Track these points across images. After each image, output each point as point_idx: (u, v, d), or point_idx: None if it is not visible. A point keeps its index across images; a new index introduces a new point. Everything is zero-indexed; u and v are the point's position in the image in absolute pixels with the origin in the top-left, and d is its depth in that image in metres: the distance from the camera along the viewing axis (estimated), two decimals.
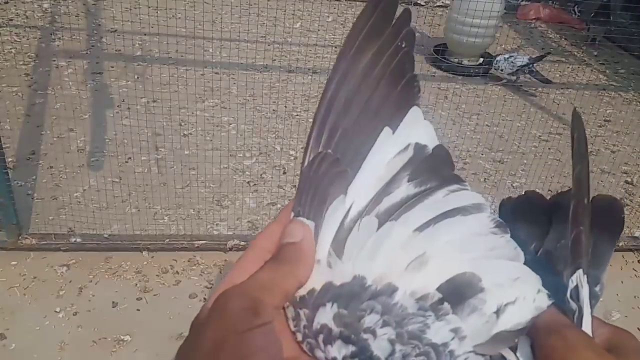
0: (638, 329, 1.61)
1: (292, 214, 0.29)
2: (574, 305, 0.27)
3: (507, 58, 2.82)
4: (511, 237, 0.29)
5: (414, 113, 0.30)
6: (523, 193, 0.36)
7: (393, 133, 0.29)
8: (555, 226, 0.33)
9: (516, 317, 0.26)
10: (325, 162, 0.29)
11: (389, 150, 0.29)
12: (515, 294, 0.26)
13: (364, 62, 0.30)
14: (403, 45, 0.30)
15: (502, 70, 2.83)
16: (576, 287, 0.27)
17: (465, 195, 0.29)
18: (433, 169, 0.29)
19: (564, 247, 0.31)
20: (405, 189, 0.29)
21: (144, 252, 1.67)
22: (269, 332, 0.24)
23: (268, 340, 0.24)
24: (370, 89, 0.30)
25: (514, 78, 2.85)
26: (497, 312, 0.26)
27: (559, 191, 0.35)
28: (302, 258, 0.27)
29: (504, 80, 2.87)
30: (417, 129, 0.30)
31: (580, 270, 0.27)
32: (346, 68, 0.30)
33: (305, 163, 0.30)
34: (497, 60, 2.84)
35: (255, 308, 0.24)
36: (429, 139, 0.30)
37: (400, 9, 0.31)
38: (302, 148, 2.26)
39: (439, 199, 0.28)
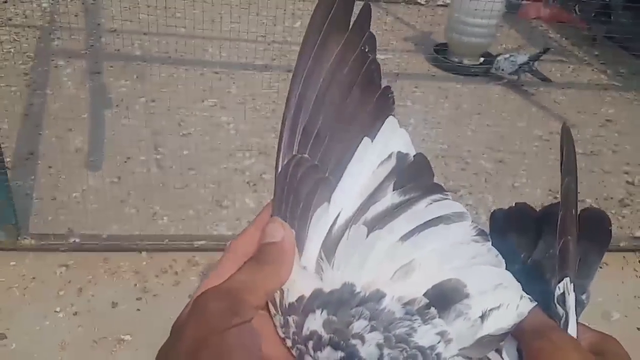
0: (638, 328, 1.60)
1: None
2: (560, 310, 0.27)
3: (508, 57, 2.81)
4: (501, 246, 0.30)
5: (391, 123, 0.30)
6: (513, 204, 0.37)
7: (372, 142, 0.30)
8: (544, 237, 0.34)
9: (500, 322, 0.27)
10: (302, 166, 0.29)
11: (370, 159, 0.30)
12: (499, 299, 0.27)
13: (328, 61, 0.30)
14: (366, 50, 0.30)
15: (502, 70, 2.82)
16: (563, 294, 0.28)
17: (447, 204, 0.29)
18: (415, 177, 0.30)
19: (552, 257, 0.31)
20: (390, 198, 0.29)
21: (143, 253, 1.66)
22: (248, 330, 0.25)
23: (247, 339, 0.24)
24: (342, 94, 0.30)
25: (515, 77, 2.84)
26: (482, 317, 0.27)
27: (550, 203, 0.36)
28: (284, 258, 0.27)
29: (505, 80, 2.86)
30: (394, 138, 0.30)
31: (568, 278, 0.28)
32: (311, 67, 0.30)
33: (279, 169, 0.30)
34: (497, 61, 2.84)
35: (234, 307, 0.24)
36: (408, 147, 0.30)
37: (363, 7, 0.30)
38: None
39: (422, 208, 0.29)
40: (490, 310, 0.27)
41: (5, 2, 3.09)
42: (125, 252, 1.64)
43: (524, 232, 0.35)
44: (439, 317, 0.26)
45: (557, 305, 0.27)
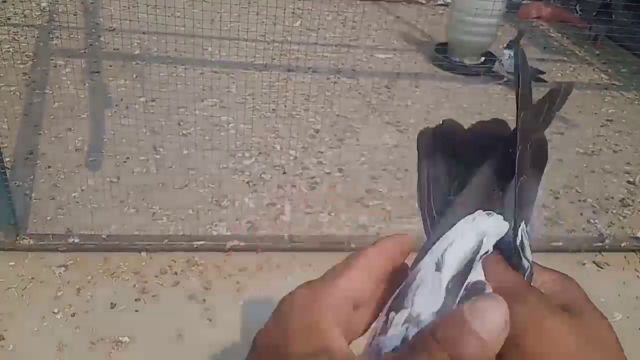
0: None
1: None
2: (525, 262, 0.26)
3: (512, 55, 2.79)
4: (430, 174, 0.29)
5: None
6: (441, 122, 0.33)
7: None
8: (476, 161, 0.30)
9: (456, 257, 0.25)
10: None
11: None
12: (450, 237, 0.25)
13: None
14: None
15: (503, 65, 2.81)
16: (522, 241, 0.26)
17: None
18: None
19: (483, 185, 0.28)
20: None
21: (142, 253, 1.65)
22: None
23: None
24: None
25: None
26: (437, 265, 0.25)
27: (480, 120, 0.32)
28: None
29: (505, 79, 2.86)
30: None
31: (524, 223, 0.26)
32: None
33: None
34: (502, 54, 2.81)
35: None
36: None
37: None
38: (302, 147, 2.25)
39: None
40: (443, 252, 0.25)
41: (5, 1, 3.08)
42: (124, 252, 1.64)
43: (455, 155, 0.31)
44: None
45: (523, 258, 0.26)
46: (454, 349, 0.20)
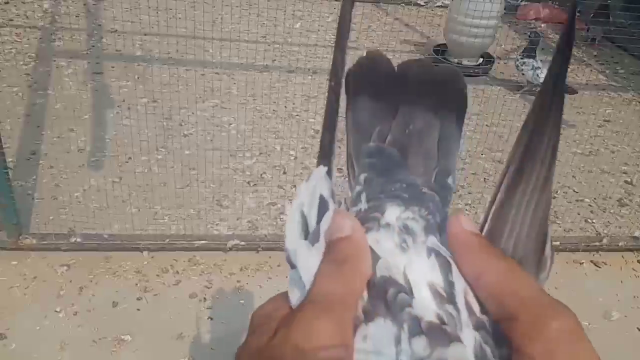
0: (638, 329, 1.61)
1: (333, 205, 0.26)
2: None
3: (536, 67, 2.69)
4: (355, 115, 0.28)
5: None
6: (365, 55, 0.30)
7: None
8: (402, 108, 0.28)
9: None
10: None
11: None
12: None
13: None
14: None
15: (523, 74, 2.74)
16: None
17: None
18: None
19: (414, 134, 0.27)
20: None
21: (144, 252, 1.67)
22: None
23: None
24: None
25: (533, 89, 2.79)
26: None
27: (408, 60, 0.30)
28: (360, 252, 0.25)
29: (525, 88, 2.82)
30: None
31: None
32: None
33: None
34: (523, 62, 2.71)
35: (343, 331, 0.22)
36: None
37: None
38: (302, 148, 2.27)
39: None
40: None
41: (7, 2, 3.10)
42: (126, 251, 1.65)
43: (379, 97, 0.28)
44: None
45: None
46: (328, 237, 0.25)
